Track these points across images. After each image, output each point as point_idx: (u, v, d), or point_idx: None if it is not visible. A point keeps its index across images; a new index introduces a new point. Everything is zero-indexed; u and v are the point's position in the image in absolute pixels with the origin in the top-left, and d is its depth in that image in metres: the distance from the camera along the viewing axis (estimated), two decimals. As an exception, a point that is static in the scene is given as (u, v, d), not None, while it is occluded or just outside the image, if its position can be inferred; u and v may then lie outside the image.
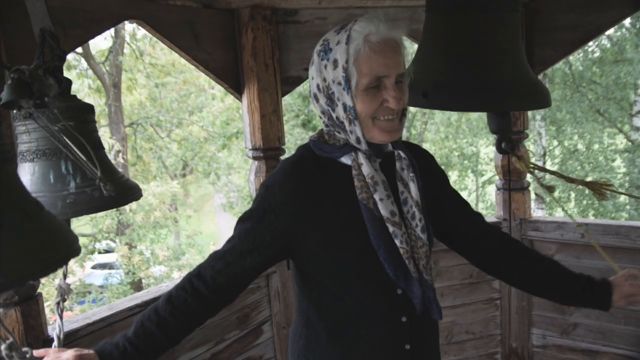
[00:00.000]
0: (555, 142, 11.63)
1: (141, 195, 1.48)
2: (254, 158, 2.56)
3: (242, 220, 1.32)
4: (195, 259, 10.46)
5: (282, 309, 2.64)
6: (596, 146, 11.17)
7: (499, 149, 2.25)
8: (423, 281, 1.29)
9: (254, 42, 2.42)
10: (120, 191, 1.37)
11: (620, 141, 11.65)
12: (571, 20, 2.54)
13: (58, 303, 1.35)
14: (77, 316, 1.88)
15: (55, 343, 1.36)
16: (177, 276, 10.09)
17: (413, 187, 1.32)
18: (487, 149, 14.95)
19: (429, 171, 1.44)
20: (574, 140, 11.29)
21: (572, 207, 10.91)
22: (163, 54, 10.84)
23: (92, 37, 1.91)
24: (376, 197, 1.26)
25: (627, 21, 9.38)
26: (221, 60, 2.41)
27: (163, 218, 9.77)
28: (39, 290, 1.70)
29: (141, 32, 9.97)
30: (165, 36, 2.16)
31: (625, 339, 2.65)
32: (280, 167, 1.34)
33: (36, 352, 1.16)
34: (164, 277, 9.96)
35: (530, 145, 11.35)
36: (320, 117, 1.34)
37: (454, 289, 2.90)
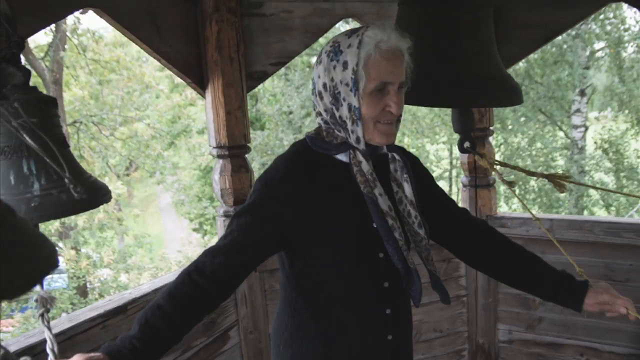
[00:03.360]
0: (501, 139, 11.94)
1: (111, 197, 1.37)
2: (219, 156, 2.45)
3: (240, 215, 1.34)
4: (144, 260, 10.15)
5: (249, 313, 2.55)
6: (539, 144, 11.54)
7: (461, 148, 2.25)
8: (429, 271, 1.44)
9: (219, 34, 2.31)
10: (90, 193, 1.25)
11: (560, 139, 12.08)
12: (535, 19, 2.55)
13: (42, 315, 1.23)
14: (34, 330, 1.73)
15: (50, 357, 1.27)
16: (125, 279, 9.75)
17: (407, 187, 1.40)
18: (432, 147, 15.18)
19: (417, 172, 1.49)
20: (518, 138, 11.62)
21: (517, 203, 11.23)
22: (107, 49, 10.44)
23: (47, 25, 1.77)
24: (376, 192, 1.33)
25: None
26: (184, 53, 2.29)
27: (108, 219, 9.41)
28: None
29: (83, 26, 9.57)
30: (124, 26, 2.02)
31: (587, 331, 2.70)
32: (277, 162, 1.39)
33: None
34: (110, 280, 9.60)
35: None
36: (319, 115, 1.38)
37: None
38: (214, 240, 11.79)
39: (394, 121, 1.34)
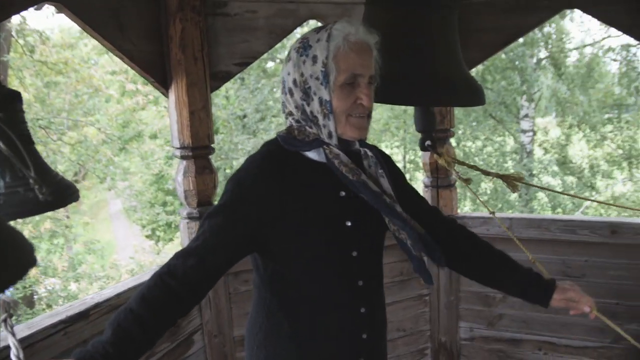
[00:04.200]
0: (454, 143, 12.20)
1: (79, 197, 1.32)
2: (182, 157, 2.40)
3: (212, 216, 1.32)
4: (94, 268, 9.84)
5: (213, 317, 2.51)
6: (489, 148, 11.85)
7: (422, 147, 2.30)
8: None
9: (183, 33, 2.28)
10: (57, 193, 1.20)
11: (509, 144, 12.44)
12: (495, 23, 2.63)
13: (5, 320, 1.16)
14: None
15: None
16: (75, 288, 9.43)
17: (384, 182, 1.40)
18: (387, 150, 15.38)
19: (390, 169, 1.49)
20: (470, 142, 11.90)
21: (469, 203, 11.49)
22: (55, 51, 10.08)
23: (4, 18, 1.69)
24: (363, 178, 1.34)
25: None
26: (147, 52, 2.24)
27: (60, 226, 9.08)
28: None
29: (29, 27, 9.20)
30: (86, 22, 1.96)
31: (545, 326, 2.78)
32: (249, 162, 1.38)
33: None
34: (59, 290, 9.26)
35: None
36: (289, 115, 1.38)
37: (385, 287, 2.89)
38: (167, 247, 11.56)
39: (365, 115, 1.34)
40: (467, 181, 2.07)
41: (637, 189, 11.78)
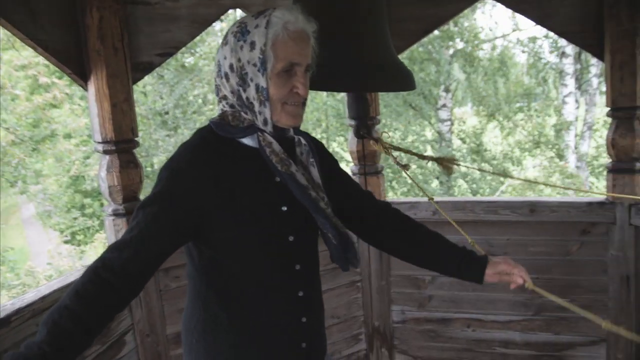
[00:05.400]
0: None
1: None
2: (105, 152, 2.31)
3: (146, 205, 1.29)
4: (6, 277, 9.26)
5: (144, 316, 2.43)
6: (410, 137, 12.18)
7: (357, 134, 2.33)
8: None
9: (100, 22, 2.18)
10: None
11: (430, 132, 12.85)
12: (415, 12, 2.70)
13: None
14: None
15: None
16: (-14, 300, 8.83)
17: (314, 170, 1.42)
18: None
19: (322, 156, 1.52)
20: (391, 132, 12.18)
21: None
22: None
23: None
24: (292, 169, 1.35)
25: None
26: (62, 42, 2.13)
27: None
28: None
29: None
30: (-7, 9, 1.83)
31: (472, 304, 2.90)
32: (183, 149, 1.35)
33: None
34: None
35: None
36: (223, 99, 1.37)
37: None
38: (90, 251, 11.06)
39: (300, 103, 1.36)
40: (405, 167, 2.11)
41: (546, 174, 12.52)
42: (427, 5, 2.69)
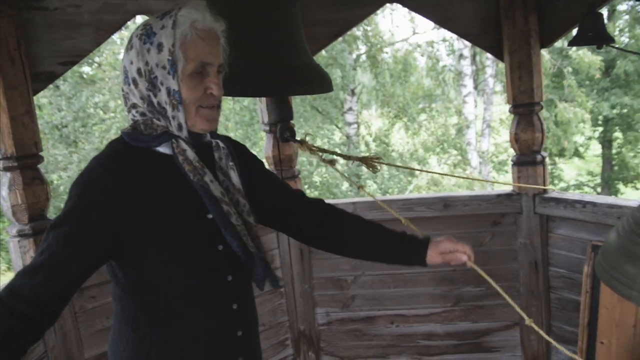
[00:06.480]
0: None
1: None
2: (6, 169, 2.15)
3: (57, 226, 1.20)
4: None
5: (59, 341, 2.28)
6: (319, 141, 12.32)
7: (282, 138, 2.33)
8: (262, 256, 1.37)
9: (-5, 30, 2.02)
10: None
11: (338, 136, 13.08)
12: (326, 16, 2.74)
13: None
14: None
15: None
16: None
17: (233, 175, 1.37)
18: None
19: (245, 160, 1.47)
20: (300, 136, 12.27)
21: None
22: None
23: None
24: (207, 179, 1.29)
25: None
26: (-49, 51, 1.95)
27: None
28: None
29: None
30: None
31: (394, 301, 2.98)
32: (94, 163, 1.27)
33: None
34: None
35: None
36: (133, 107, 1.30)
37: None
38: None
39: (215, 105, 1.31)
40: (332, 163, 2.15)
41: (450, 171, 13.13)
42: (336, 9, 2.74)
